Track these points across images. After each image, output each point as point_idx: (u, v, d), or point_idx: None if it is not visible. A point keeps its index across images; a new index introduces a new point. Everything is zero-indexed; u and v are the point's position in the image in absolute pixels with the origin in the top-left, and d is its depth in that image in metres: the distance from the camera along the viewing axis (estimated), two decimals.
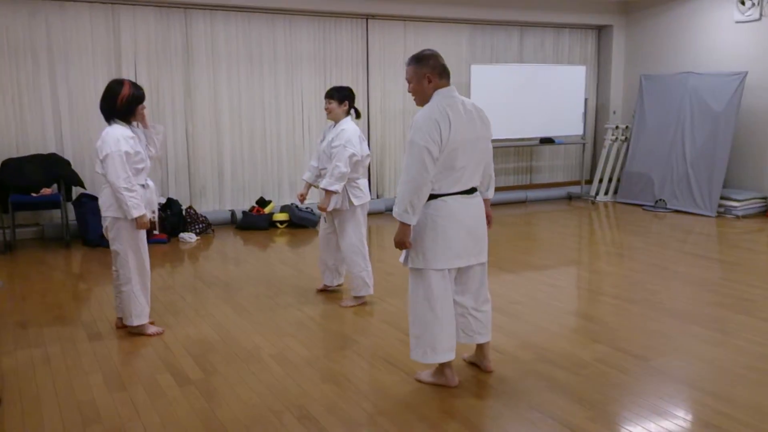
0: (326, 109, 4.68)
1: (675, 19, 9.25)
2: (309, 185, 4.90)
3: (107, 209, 3.88)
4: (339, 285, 5.02)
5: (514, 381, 3.44)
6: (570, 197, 9.91)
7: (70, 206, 6.79)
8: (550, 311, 4.64)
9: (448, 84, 3.22)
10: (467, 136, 3.14)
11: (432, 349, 3.26)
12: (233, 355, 3.80)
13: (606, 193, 9.67)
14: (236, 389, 3.33)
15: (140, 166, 3.89)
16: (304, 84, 8.15)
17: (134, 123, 3.97)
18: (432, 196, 3.17)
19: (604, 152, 9.73)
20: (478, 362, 3.57)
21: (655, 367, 3.60)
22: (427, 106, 3.18)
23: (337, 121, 4.67)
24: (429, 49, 3.29)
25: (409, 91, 3.28)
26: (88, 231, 6.61)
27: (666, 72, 9.24)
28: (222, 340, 4.04)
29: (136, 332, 4.10)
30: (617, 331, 4.19)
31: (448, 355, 3.29)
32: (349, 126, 4.60)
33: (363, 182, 4.69)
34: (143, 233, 4.02)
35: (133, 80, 7.05)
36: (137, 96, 3.87)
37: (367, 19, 8.43)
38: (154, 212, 4.09)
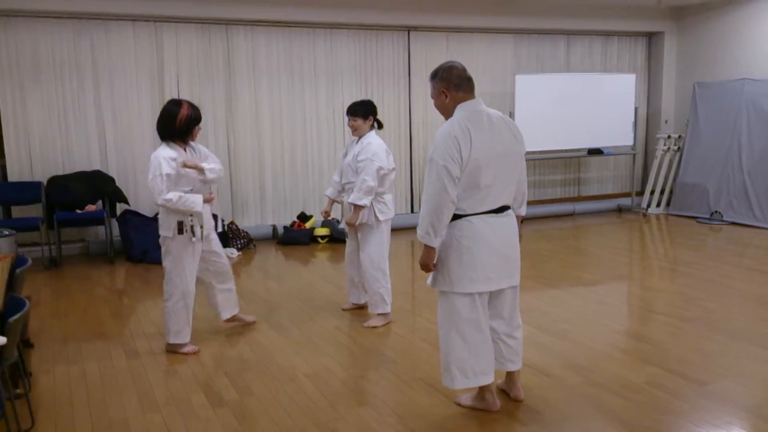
0: (351, 126, 4.57)
1: (729, 25, 8.90)
2: (332, 201, 4.80)
3: (160, 228, 3.96)
4: (366, 302, 4.88)
5: (559, 405, 3.25)
6: (620, 209, 9.59)
7: (114, 222, 6.88)
8: (599, 330, 4.42)
9: (470, 96, 3.03)
10: (492, 151, 2.94)
11: (462, 372, 3.08)
12: (269, 375, 3.72)
13: (658, 205, 9.33)
14: (270, 411, 3.24)
15: (186, 189, 3.89)
16: (345, 97, 8.10)
17: (191, 143, 4.01)
18: (457, 216, 3.00)
19: (655, 162, 9.40)
20: (507, 390, 3.36)
21: (713, 392, 3.37)
22: (448, 121, 3.01)
23: (361, 135, 4.56)
24: (450, 62, 3.11)
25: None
26: (132, 247, 6.67)
27: (720, 79, 8.89)
28: (258, 359, 3.97)
29: (172, 350, 4.07)
30: (671, 352, 3.96)
31: (481, 379, 3.10)
32: (374, 140, 4.50)
33: (389, 197, 4.58)
34: (196, 255, 4.00)
35: (176, 96, 7.28)
36: (195, 117, 3.92)
37: (408, 31, 8.35)
38: (203, 228, 4.00)
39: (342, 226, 4.62)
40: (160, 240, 3.99)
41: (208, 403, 3.34)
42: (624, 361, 3.82)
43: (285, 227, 7.62)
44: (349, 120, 4.57)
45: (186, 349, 4.06)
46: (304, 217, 7.74)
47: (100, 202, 6.71)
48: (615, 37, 9.65)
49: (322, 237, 7.64)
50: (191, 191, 3.92)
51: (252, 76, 7.67)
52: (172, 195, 3.78)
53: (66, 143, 6.95)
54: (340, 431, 3.02)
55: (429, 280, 3.18)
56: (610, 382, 3.51)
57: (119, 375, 3.74)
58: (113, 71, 7.05)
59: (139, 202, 7.23)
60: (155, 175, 3.77)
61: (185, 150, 3.96)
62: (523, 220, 3.31)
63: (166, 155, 3.82)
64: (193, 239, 3.95)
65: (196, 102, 7.20)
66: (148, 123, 7.24)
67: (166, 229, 3.92)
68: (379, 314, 4.56)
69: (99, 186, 6.69)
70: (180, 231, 3.90)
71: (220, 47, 7.49)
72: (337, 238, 7.59)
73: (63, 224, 6.64)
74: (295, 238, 7.49)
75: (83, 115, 6.98)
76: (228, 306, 4.39)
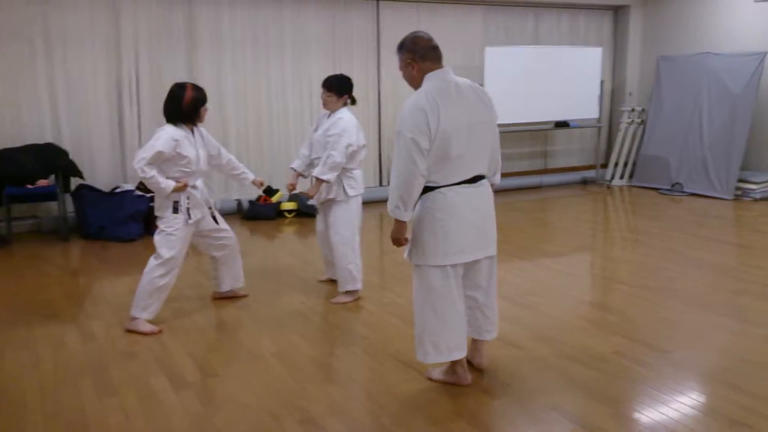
0: (324, 100, 4.43)
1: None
2: (298, 174, 4.67)
3: (156, 209, 4.02)
4: (331, 278, 4.84)
5: (530, 378, 3.23)
6: (585, 182, 9.64)
7: (68, 198, 6.61)
8: (567, 302, 4.42)
9: (438, 66, 2.97)
10: (462, 121, 2.88)
11: (435, 347, 3.04)
12: (234, 354, 3.62)
13: (621, 177, 9.40)
14: (235, 392, 3.15)
15: (187, 169, 3.94)
16: (313, 69, 7.91)
17: (198, 125, 4.07)
18: (429, 188, 2.93)
19: (619, 135, 9.44)
20: (470, 358, 3.30)
21: (677, 360, 3.39)
22: (415, 93, 2.94)
23: (333, 111, 4.44)
24: (415, 32, 3.05)
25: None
26: (87, 223, 6.44)
27: (683, 53, 8.92)
28: (222, 339, 3.87)
29: (133, 327, 3.94)
30: (636, 321, 3.98)
31: (454, 354, 3.08)
32: (345, 115, 4.37)
33: (358, 173, 4.47)
34: (187, 237, 4.02)
35: (135, 67, 7.01)
36: (200, 98, 3.95)
37: (378, 1, 8.16)
38: (211, 208, 4.11)
39: (313, 201, 4.53)
40: (157, 220, 4.04)
41: (170, 386, 3.22)
42: (591, 332, 3.82)
43: (250, 202, 7.45)
44: (323, 92, 4.42)
45: (147, 328, 3.93)
46: (270, 191, 7.54)
47: (52, 177, 6.41)
48: (582, 10, 9.60)
49: (289, 211, 7.50)
50: (194, 172, 3.99)
51: (215, 47, 7.41)
52: (150, 170, 3.81)
53: (16, 114, 6.61)
54: (309, 411, 2.94)
55: (405, 254, 3.12)
56: (579, 353, 3.50)
57: (74, 359, 3.58)
58: (67, 40, 6.74)
59: (95, 177, 6.97)
60: (150, 145, 3.84)
61: (192, 132, 4.01)
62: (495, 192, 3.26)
63: (172, 134, 3.87)
64: (189, 221, 3.97)
65: (155, 73, 7.09)
66: (104, 94, 6.97)
67: (162, 209, 3.97)
68: (347, 291, 4.48)
69: (51, 159, 6.40)
70: (175, 211, 3.94)
71: (181, 17, 7.22)
72: (304, 213, 7.46)
73: (13, 200, 6.32)
74: (261, 212, 7.34)
75: (34, 84, 6.65)
76: (229, 279, 4.47)
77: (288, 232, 6.90)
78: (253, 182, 4.45)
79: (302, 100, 7.96)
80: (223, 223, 4.31)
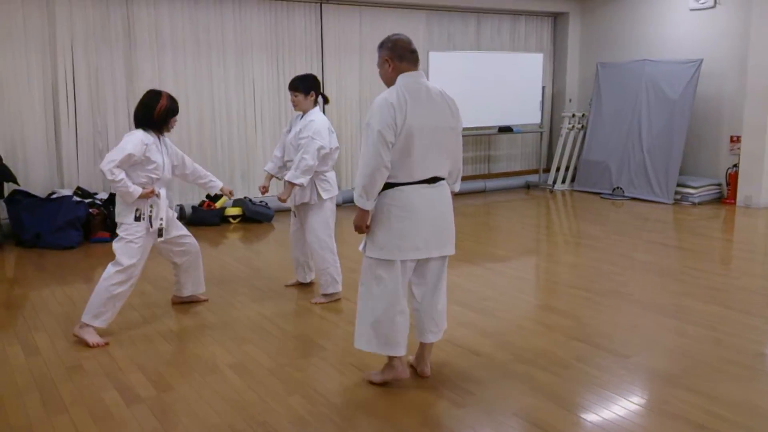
0: (292, 101, 4.44)
1: (630, 7, 9.21)
2: (270, 176, 4.65)
3: (118, 215, 3.94)
4: (311, 281, 4.84)
5: (493, 385, 3.23)
6: (528, 186, 9.81)
7: (2, 204, 6.27)
8: (522, 306, 4.46)
9: (413, 68, 3.08)
10: (427, 123, 2.99)
11: (375, 338, 3.11)
12: (187, 366, 3.48)
13: (564, 182, 9.60)
14: (192, 406, 3.02)
15: (154, 175, 3.90)
16: (256, 72, 7.78)
17: (165, 134, 4.04)
18: (389, 185, 3.02)
19: (560, 141, 9.65)
20: (415, 365, 3.34)
21: (637, 365, 3.45)
22: (387, 89, 3.05)
23: (305, 111, 4.40)
24: (396, 34, 3.16)
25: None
26: (23, 230, 6.12)
27: (622, 60, 9.20)
28: (174, 350, 3.72)
29: (79, 335, 3.78)
30: (592, 326, 4.04)
31: (394, 350, 3.12)
32: (318, 117, 4.36)
33: (331, 175, 4.47)
34: (147, 245, 3.94)
35: (71, 68, 6.72)
36: (172, 108, 3.94)
37: (321, 4, 8.09)
38: (162, 219, 3.98)
39: (288, 204, 4.48)
40: (117, 228, 3.94)
41: (122, 401, 3.07)
42: (550, 337, 3.85)
43: (193, 207, 7.26)
44: (291, 95, 4.44)
45: (94, 339, 3.76)
46: (214, 197, 7.39)
47: None
48: (523, 16, 9.78)
49: (234, 217, 7.34)
50: (159, 179, 3.94)
51: (155, 48, 7.19)
52: (119, 173, 3.74)
53: None
54: (271, 424, 2.85)
55: (361, 246, 3.16)
56: (540, 359, 3.52)
57: (17, 374, 3.38)
58: None
59: (30, 182, 6.65)
60: (121, 147, 3.79)
61: (159, 140, 3.97)
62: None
63: (142, 138, 3.84)
64: (150, 229, 3.89)
65: (92, 74, 6.81)
66: (39, 96, 6.66)
67: (123, 216, 3.89)
68: (328, 293, 4.49)
69: None
70: (137, 219, 3.87)
71: (119, 16, 6.96)
72: (249, 218, 7.31)
73: None
74: (204, 218, 7.15)
75: None
76: (191, 285, 4.41)
77: (233, 238, 6.75)
78: (222, 190, 4.36)
79: (245, 102, 7.81)
80: (184, 229, 4.25)
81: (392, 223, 3.03)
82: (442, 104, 3.07)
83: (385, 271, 3.06)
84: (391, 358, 3.18)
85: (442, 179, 3.14)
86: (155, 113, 3.88)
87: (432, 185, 3.08)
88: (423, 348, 3.31)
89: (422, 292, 3.21)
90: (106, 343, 3.77)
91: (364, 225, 3.08)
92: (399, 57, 3.05)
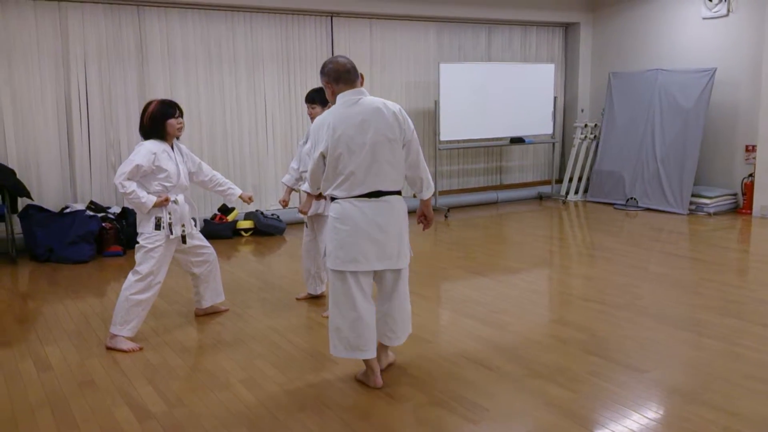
0: (309, 114, 4.47)
1: (642, 16, 9.17)
2: (290, 189, 4.66)
3: (138, 225, 3.98)
4: (322, 293, 4.82)
5: (507, 400, 3.18)
6: (541, 197, 9.76)
7: (16, 219, 6.31)
8: (535, 320, 4.40)
9: (348, 87, 3.23)
10: (357, 139, 3.12)
11: (341, 343, 3.28)
12: (199, 382, 3.46)
13: (576, 193, 9.54)
14: (204, 423, 3.00)
15: (167, 183, 3.94)
16: (267, 84, 7.81)
17: (175, 140, 4.07)
18: (333, 198, 3.24)
19: (573, 151, 9.61)
20: (378, 360, 3.43)
21: (654, 380, 3.39)
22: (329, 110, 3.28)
23: None
24: (333, 57, 3.35)
25: None
26: (36, 245, 6.16)
27: (634, 69, 9.15)
28: (185, 365, 3.70)
29: (112, 345, 3.87)
30: (607, 340, 3.98)
31: (359, 354, 3.27)
32: None
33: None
34: (169, 253, 4.00)
35: (84, 83, 6.76)
36: (163, 112, 3.92)
37: (331, 17, 8.12)
38: (184, 227, 4.04)
39: (297, 215, 4.49)
40: (138, 236, 3.98)
41: (133, 417, 3.05)
42: (564, 351, 3.79)
43: (205, 220, 7.26)
44: (307, 108, 4.47)
45: (127, 346, 3.86)
46: (225, 210, 7.40)
47: None
48: (534, 27, 9.76)
49: (246, 230, 7.34)
50: (174, 186, 3.97)
51: (167, 61, 7.24)
52: (130, 185, 3.79)
53: None
54: None
55: (322, 256, 3.38)
56: (554, 373, 3.47)
57: (30, 390, 3.37)
58: (12, 54, 6.47)
59: (43, 197, 6.70)
60: (129, 159, 3.84)
61: (172, 147, 4.00)
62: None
63: (150, 147, 3.88)
64: (171, 236, 3.93)
65: (105, 88, 6.85)
66: (52, 110, 6.71)
67: (143, 224, 3.93)
68: None
69: None
70: (157, 227, 3.90)
71: (131, 30, 7.02)
72: (261, 231, 7.31)
73: None
74: (217, 231, 7.15)
75: None
76: (210, 295, 4.44)
77: (245, 251, 6.74)
78: (241, 197, 4.39)
79: (256, 114, 7.83)
80: (203, 239, 4.29)
81: (335, 235, 3.20)
82: (379, 118, 3.15)
83: (338, 280, 3.24)
84: (366, 365, 3.34)
85: (390, 193, 3.21)
86: (145, 120, 3.92)
87: (374, 200, 3.17)
88: (382, 349, 3.46)
89: (381, 299, 3.37)
90: (140, 348, 3.88)
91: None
92: (335, 80, 3.22)
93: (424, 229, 3.60)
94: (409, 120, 3.25)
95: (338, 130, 3.11)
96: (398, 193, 3.26)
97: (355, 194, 3.16)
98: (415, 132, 3.26)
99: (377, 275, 3.31)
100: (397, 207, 3.26)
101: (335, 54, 8.17)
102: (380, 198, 3.18)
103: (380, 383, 3.32)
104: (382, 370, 3.43)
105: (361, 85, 3.28)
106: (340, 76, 3.22)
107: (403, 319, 3.40)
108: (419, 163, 3.28)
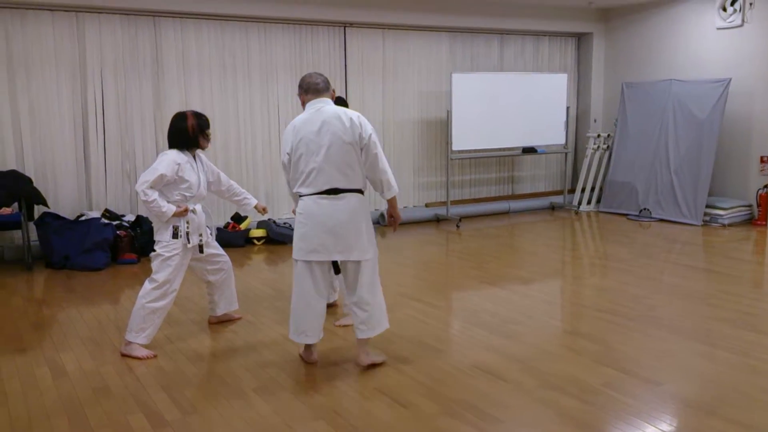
0: None
1: (656, 26, 9.16)
2: None
3: (156, 233, 4.02)
4: (334, 302, 4.84)
5: (520, 411, 3.17)
6: (553, 207, 9.73)
7: (32, 226, 6.38)
8: (548, 330, 4.39)
9: (314, 97, 3.62)
10: (316, 143, 3.49)
11: (293, 327, 3.68)
12: (212, 389, 3.48)
13: (589, 203, 9.51)
14: (217, 430, 3.01)
15: (187, 193, 4.01)
16: (280, 94, 7.86)
17: (199, 150, 4.17)
18: (300, 195, 3.58)
19: (586, 161, 9.58)
20: (355, 356, 3.77)
21: (668, 392, 3.37)
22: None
23: None
24: (311, 72, 3.71)
25: None
26: (52, 252, 6.22)
27: (648, 79, 9.14)
28: (199, 373, 3.72)
29: (127, 353, 3.91)
30: (622, 351, 3.96)
31: (303, 338, 3.66)
32: None
33: None
34: (185, 261, 4.04)
35: (101, 92, 6.84)
36: (201, 124, 4.06)
37: (344, 27, 8.17)
38: (201, 236, 4.11)
39: None
40: (155, 244, 4.03)
41: (148, 424, 3.07)
42: (578, 363, 3.78)
43: (218, 229, 7.30)
44: None
45: (142, 353, 3.90)
46: (238, 218, 7.44)
47: (15, 205, 6.20)
48: (546, 37, 9.78)
49: (258, 239, 7.37)
50: (194, 197, 4.05)
51: (182, 71, 7.31)
52: (152, 193, 3.85)
53: None
54: None
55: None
56: (568, 385, 3.46)
57: (45, 396, 3.41)
58: (30, 64, 6.56)
59: (60, 205, 6.76)
60: (153, 168, 3.91)
61: (194, 158, 4.11)
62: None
63: (174, 158, 3.96)
64: (188, 245, 3.99)
65: (120, 97, 6.93)
66: (69, 120, 6.79)
67: (161, 233, 3.99)
68: None
69: (14, 187, 6.18)
70: (175, 236, 3.95)
71: (148, 40, 7.10)
72: (273, 240, 7.34)
73: None
74: (229, 240, 7.19)
75: None
76: (224, 303, 4.50)
77: (258, 259, 6.77)
78: (256, 207, 4.46)
79: (270, 124, 7.88)
80: (219, 248, 4.35)
81: (298, 228, 3.57)
82: (337, 124, 3.48)
83: (298, 269, 3.60)
84: (305, 345, 3.75)
85: (348, 191, 3.52)
86: (189, 133, 4.01)
87: (332, 196, 3.51)
88: (360, 342, 3.71)
89: (348, 291, 3.70)
90: (155, 355, 3.91)
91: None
92: (305, 91, 3.64)
93: (394, 230, 3.86)
94: (368, 126, 3.53)
95: (300, 132, 3.53)
96: (358, 191, 3.58)
97: (316, 191, 3.50)
98: (374, 136, 3.52)
99: (342, 266, 3.63)
100: (354, 203, 3.56)
101: (347, 64, 8.23)
102: (338, 195, 3.52)
103: (314, 360, 3.77)
104: (364, 368, 3.69)
105: (332, 98, 3.68)
106: (309, 88, 3.62)
107: (372, 312, 3.63)
108: (377, 165, 3.54)
